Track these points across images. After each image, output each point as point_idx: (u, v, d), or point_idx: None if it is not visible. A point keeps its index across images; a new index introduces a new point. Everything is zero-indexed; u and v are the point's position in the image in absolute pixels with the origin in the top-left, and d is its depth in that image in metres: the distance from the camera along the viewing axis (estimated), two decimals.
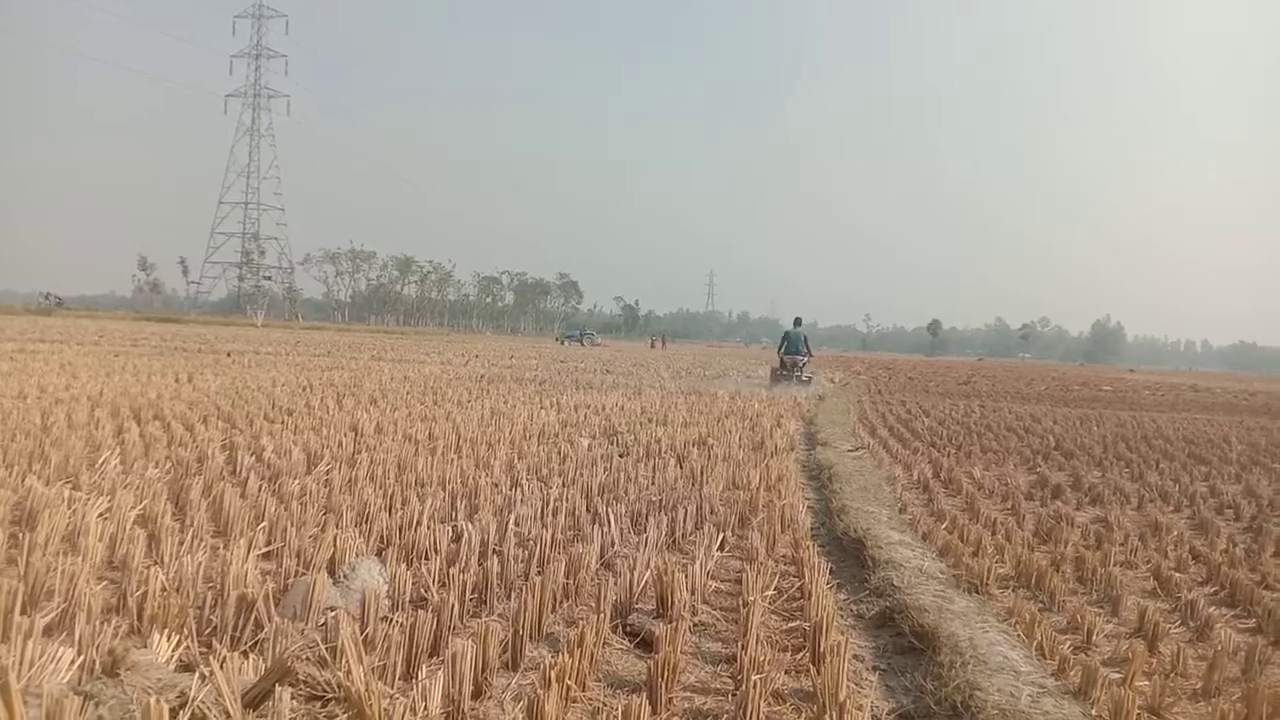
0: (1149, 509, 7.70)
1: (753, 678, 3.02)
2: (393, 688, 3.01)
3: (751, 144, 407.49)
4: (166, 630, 3.24)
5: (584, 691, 3.24)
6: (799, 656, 3.80)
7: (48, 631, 3.17)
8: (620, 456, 8.51)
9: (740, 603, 4.22)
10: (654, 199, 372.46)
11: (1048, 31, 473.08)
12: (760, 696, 2.95)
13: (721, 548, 5.40)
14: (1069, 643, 4.16)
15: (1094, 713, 3.28)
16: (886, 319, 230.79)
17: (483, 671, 3.17)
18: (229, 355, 22.70)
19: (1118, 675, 3.73)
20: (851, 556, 5.51)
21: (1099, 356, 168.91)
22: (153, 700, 2.38)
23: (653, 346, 69.63)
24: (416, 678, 3.11)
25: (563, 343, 63.24)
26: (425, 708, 2.72)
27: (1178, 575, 5.42)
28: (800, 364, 22.10)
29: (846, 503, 6.64)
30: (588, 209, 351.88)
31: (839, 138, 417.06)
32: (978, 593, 4.80)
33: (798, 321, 23.47)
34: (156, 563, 4.09)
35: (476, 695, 3.10)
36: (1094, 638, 4.27)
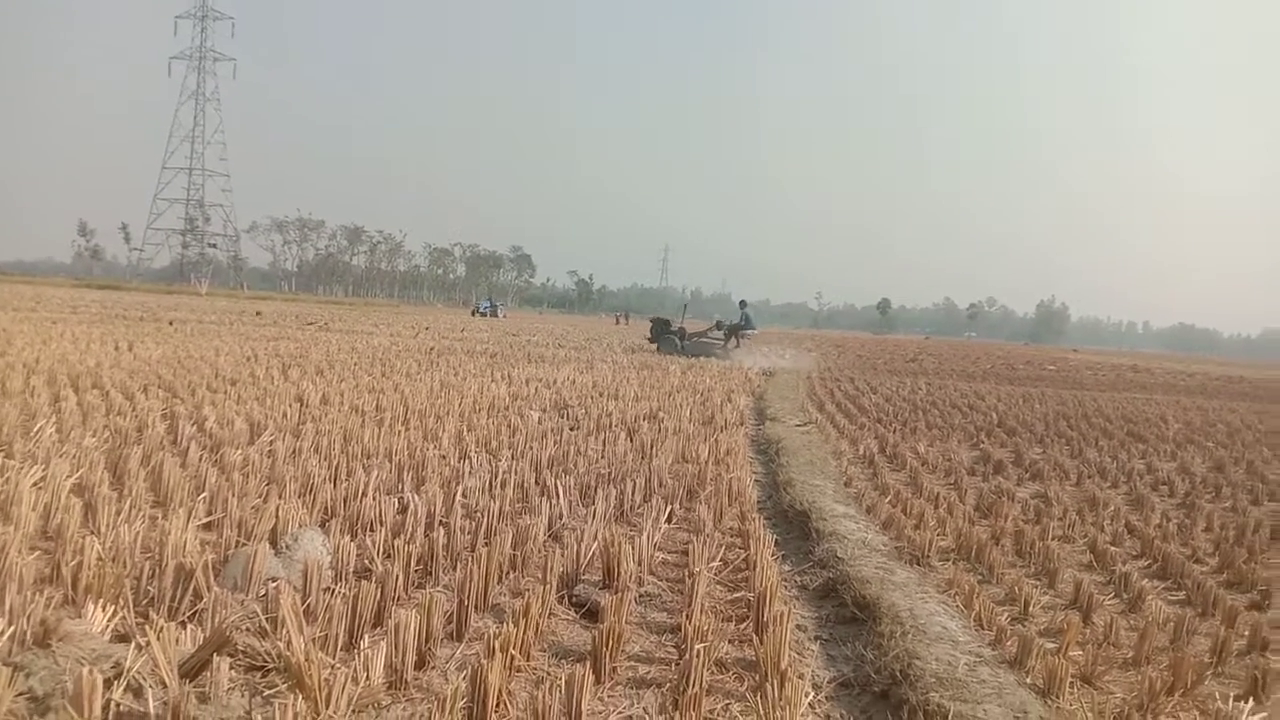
0: (1087, 485, 7.88)
1: (696, 647, 3.04)
2: (334, 658, 2.99)
3: (706, 121, 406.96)
4: (102, 600, 3.17)
5: (529, 661, 3.24)
6: (743, 626, 3.84)
7: None
8: (571, 430, 8.50)
9: (686, 573, 4.25)
10: (608, 174, 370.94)
11: (1007, 15, 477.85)
12: (703, 665, 2.98)
13: (669, 520, 5.43)
14: (1007, 614, 4.25)
15: (1029, 681, 3.37)
16: (838, 297, 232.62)
17: (426, 642, 3.15)
18: (171, 323, 22.22)
19: (1053, 645, 3.82)
20: (797, 529, 5.57)
21: (1044, 337, 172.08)
22: (85, 671, 2.34)
23: (617, 323, 69.51)
24: (359, 648, 3.08)
25: (474, 314, 62.80)
26: (367, 677, 2.70)
27: (1113, 549, 5.56)
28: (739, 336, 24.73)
29: (793, 476, 6.71)
30: (541, 182, 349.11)
31: (793, 117, 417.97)
32: (919, 565, 4.89)
33: (742, 303, 26.32)
34: (93, 532, 4.00)
35: (420, 665, 3.09)
36: (1031, 609, 4.37)
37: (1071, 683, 3.38)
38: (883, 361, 30.68)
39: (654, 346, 25.00)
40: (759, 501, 6.22)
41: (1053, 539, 5.67)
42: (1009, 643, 3.76)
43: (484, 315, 60.09)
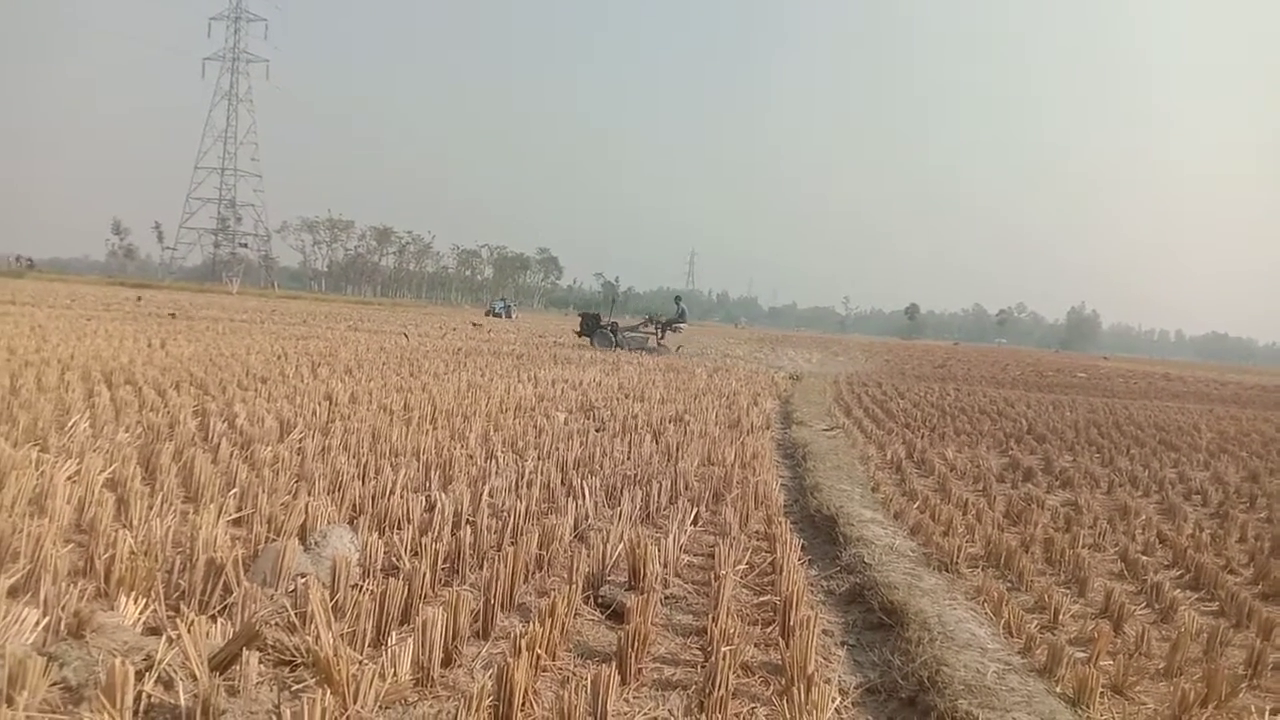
0: (1118, 493, 7.79)
1: (723, 649, 3.03)
2: (362, 654, 3.00)
3: (734, 125, 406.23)
4: (134, 593, 3.21)
5: (554, 660, 3.24)
6: (769, 630, 3.82)
7: (12, 593, 3.13)
8: (596, 431, 8.51)
9: (712, 576, 4.24)
10: (636, 177, 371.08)
11: (1033, 23, 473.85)
12: (729, 668, 2.96)
13: (695, 522, 5.42)
14: (1036, 622, 4.21)
15: (1059, 690, 3.33)
16: (865, 302, 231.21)
17: (453, 640, 3.16)
18: (172, 315, 22.48)
19: (1083, 654, 3.78)
20: (823, 533, 5.54)
21: (1074, 344, 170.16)
22: (118, 662, 2.37)
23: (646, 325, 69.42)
24: (386, 644, 3.10)
25: (488, 314, 62.80)
26: (394, 674, 2.71)
27: (1144, 558, 5.49)
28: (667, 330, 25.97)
29: (820, 480, 6.68)
30: (569, 185, 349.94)
31: (822, 121, 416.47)
32: (947, 571, 4.85)
33: (678, 299, 28.48)
34: (125, 526, 4.05)
35: (446, 663, 3.10)
36: (1061, 617, 4.32)
37: (1102, 693, 3.34)
38: (911, 367, 30.48)
39: (586, 342, 25.36)
40: (785, 505, 6.19)
41: (1083, 547, 5.60)
42: (1038, 651, 3.72)
43: (498, 316, 60.25)
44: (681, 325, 26.78)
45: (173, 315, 24.20)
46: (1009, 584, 4.84)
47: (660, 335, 25.45)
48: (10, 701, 2.31)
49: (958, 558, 5.02)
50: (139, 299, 34.22)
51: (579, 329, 26.24)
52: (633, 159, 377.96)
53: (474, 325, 24.74)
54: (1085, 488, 7.96)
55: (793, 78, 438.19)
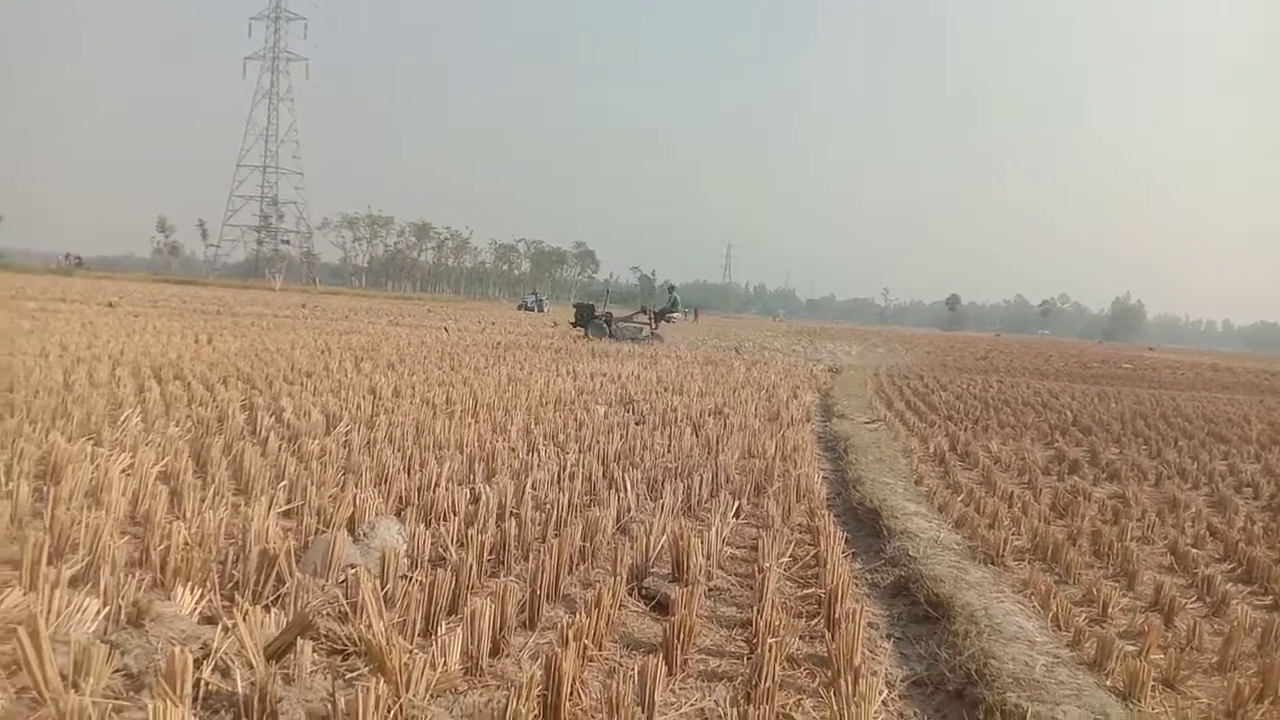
0: (1167, 486, 7.67)
1: (768, 641, 3.04)
2: (412, 643, 3.05)
3: (771, 117, 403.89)
4: (190, 583, 3.28)
5: (600, 651, 3.27)
6: (813, 622, 3.82)
7: (73, 583, 3.21)
8: (636, 424, 8.53)
9: (756, 569, 4.24)
10: (673, 170, 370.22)
11: (1071, 11, 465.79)
12: (775, 660, 2.97)
13: (737, 515, 5.41)
14: (1084, 615, 4.16)
15: (1109, 683, 3.29)
16: (905, 293, 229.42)
17: (500, 630, 3.20)
18: (217, 311, 22.83)
19: (1133, 648, 3.73)
20: (867, 526, 5.52)
21: (1119, 334, 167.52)
22: (177, 650, 2.42)
23: (686, 318, 68.99)
24: (435, 634, 3.14)
25: (521, 308, 62.74)
26: (444, 663, 2.75)
27: (1195, 551, 5.40)
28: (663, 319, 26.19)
29: (862, 473, 6.65)
30: (606, 179, 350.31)
31: (860, 113, 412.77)
32: (993, 564, 4.81)
33: (671, 288, 28.17)
34: (179, 518, 4.14)
35: (494, 653, 3.14)
36: (1109, 611, 4.27)
37: (1153, 687, 3.30)
38: (952, 359, 30.17)
39: (578, 332, 25.49)
40: (828, 498, 6.17)
41: (1131, 540, 5.51)
42: (1087, 644, 3.68)
43: (530, 310, 60.44)
44: (675, 315, 27.06)
45: (218, 311, 24.57)
46: (1056, 577, 4.79)
47: (654, 325, 25.61)
48: (76, 687, 2.37)
49: (1004, 550, 4.97)
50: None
51: (573, 319, 26.43)
52: (670, 152, 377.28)
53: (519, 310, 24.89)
54: (1133, 480, 7.84)
55: (829, 70, 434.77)
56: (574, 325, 26.29)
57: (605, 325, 24.78)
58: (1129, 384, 22.12)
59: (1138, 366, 32.65)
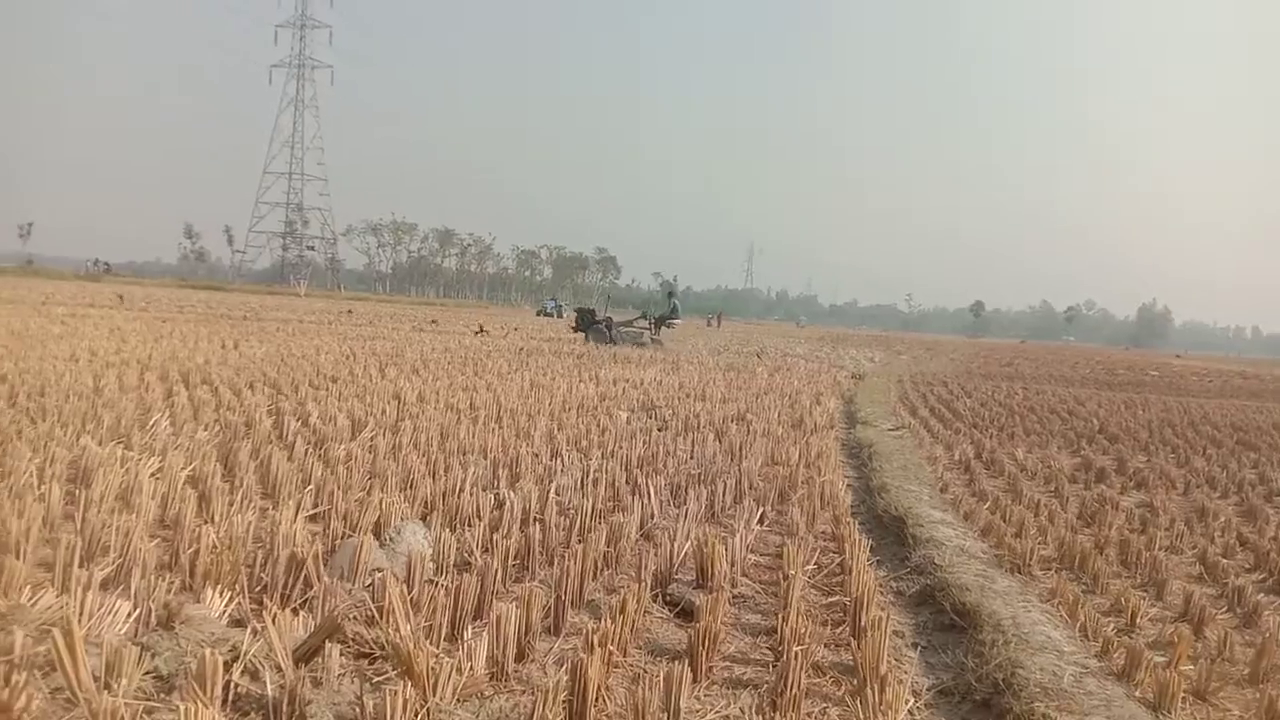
0: (1195, 494, 7.58)
1: (794, 649, 3.03)
2: (438, 648, 3.06)
3: (791, 119, 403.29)
4: (219, 586, 3.31)
5: (625, 657, 3.27)
6: (839, 631, 3.80)
7: (104, 585, 3.25)
8: (659, 430, 8.53)
9: (780, 576, 4.23)
10: (694, 176, 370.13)
11: (1097, 9, 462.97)
12: (801, 668, 2.96)
13: (761, 522, 5.40)
14: (1113, 625, 4.13)
15: (1138, 694, 3.26)
16: (928, 299, 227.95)
17: (526, 635, 3.21)
18: (245, 318, 23.02)
19: (1163, 659, 3.69)
20: (892, 534, 5.49)
21: (1145, 341, 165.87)
22: (208, 653, 2.45)
23: (709, 324, 68.48)
24: (461, 639, 3.15)
25: (539, 314, 62.63)
26: (471, 667, 2.76)
27: (1224, 561, 5.34)
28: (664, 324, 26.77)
29: (887, 481, 6.62)
30: (626, 184, 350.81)
31: (881, 115, 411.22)
32: (1020, 573, 4.78)
33: (670, 294, 29.65)
34: (207, 521, 4.17)
35: (520, 658, 3.15)
36: (1138, 621, 4.23)
37: (1184, 698, 3.27)
38: (977, 365, 29.99)
39: (581, 336, 25.60)
40: (852, 506, 6.15)
41: (1160, 549, 5.45)
42: (1116, 654, 3.65)
43: (549, 315, 60.51)
44: (675, 320, 27.47)
45: (244, 317, 24.81)
46: (1084, 586, 4.75)
47: (654, 330, 25.83)
48: (108, 688, 2.40)
49: (1030, 560, 4.94)
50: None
51: (574, 324, 26.60)
52: (692, 158, 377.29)
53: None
54: (1161, 489, 7.77)
55: (851, 74, 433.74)
56: (574, 330, 26.45)
57: (605, 330, 24.89)
58: (1156, 391, 21.90)
59: (1164, 373, 32.34)
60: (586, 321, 25.81)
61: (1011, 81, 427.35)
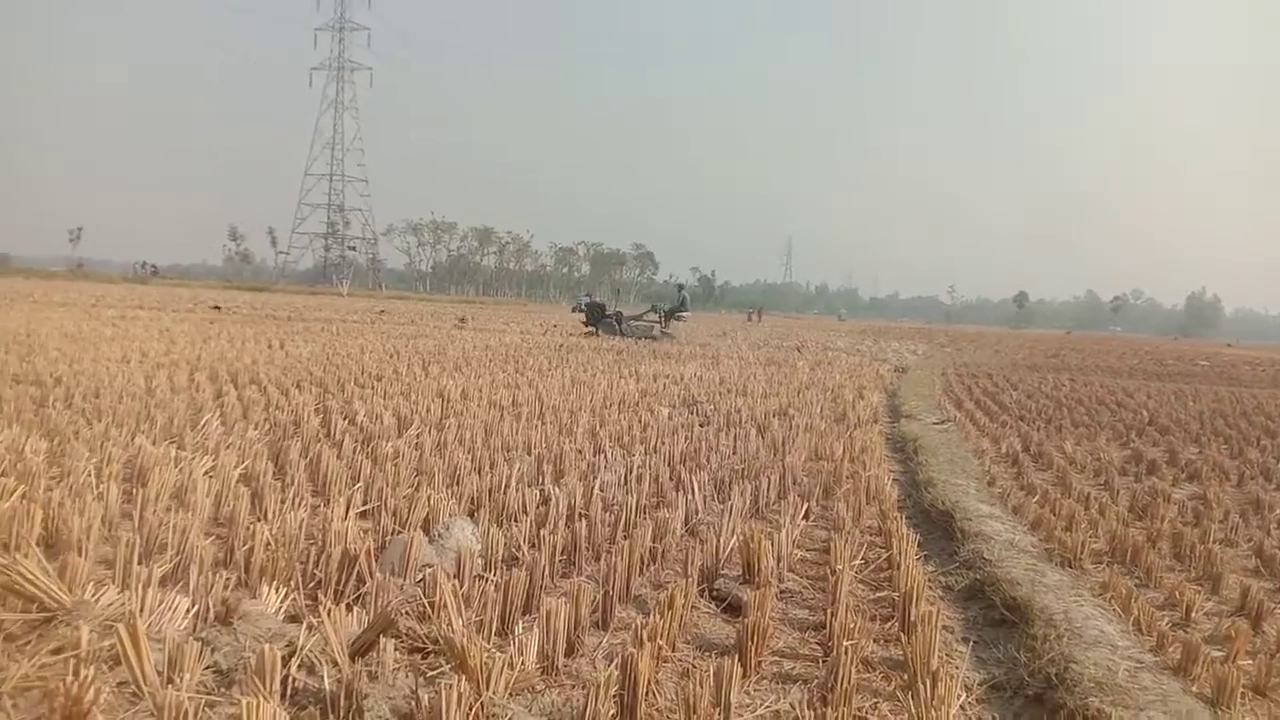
0: (1250, 486, 7.44)
1: (844, 644, 3.02)
2: (489, 642, 3.09)
3: (830, 110, 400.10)
4: (275, 583, 3.37)
5: (674, 652, 3.28)
6: (887, 626, 3.79)
7: (163, 582, 3.32)
8: (701, 426, 8.53)
9: (827, 571, 4.21)
10: (731, 170, 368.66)
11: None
12: (851, 662, 2.95)
13: (806, 517, 5.38)
14: (1167, 619, 4.06)
15: (1195, 689, 3.21)
16: (971, 291, 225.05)
17: (575, 630, 3.23)
18: (289, 317, 23.31)
19: (1219, 653, 3.63)
20: (939, 529, 5.45)
21: (1194, 330, 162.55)
22: (266, 648, 2.50)
23: (749, 319, 67.94)
24: (512, 634, 3.19)
25: (575, 310, 62.57)
26: (522, 662, 2.79)
27: None
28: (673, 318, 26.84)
29: (933, 475, 6.56)
30: (663, 180, 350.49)
31: (922, 104, 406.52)
32: (1070, 567, 4.72)
33: (680, 287, 30.52)
34: (260, 519, 4.25)
35: (569, 652, 3.17)
36: (1193, 615, 4.16)
37: (1243, 694, 3.21)
38: (1022, 357, 29.58)
39: (592, 330, 25.94)
40: (898, 501, 6.10)
41: (1214, 542, 5.35)
42: (1171, 649, 3.59)
43: (583, 311, 60.38)
44: (685, 314, 27.74)
45: (216, 307, 25.18)
46: (1136, 580, 4.68)
47: (664, 323, 26.04)
48: (171, 682, 2.46)
49: (1081, 553, 4.87)
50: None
51: (585, 319, 26.84)
52: (730, 152, 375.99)
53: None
54: (1214, 481, 7.62)
55: (890, 65, 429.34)
56: (585, 324, 26.67)
57: (616, 324, 25.22)
58: (1207, 381, 21.47)
59: (1215, 363, 31.68)
60: (597, 315, 26.11)
61: (1058, 70, 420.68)
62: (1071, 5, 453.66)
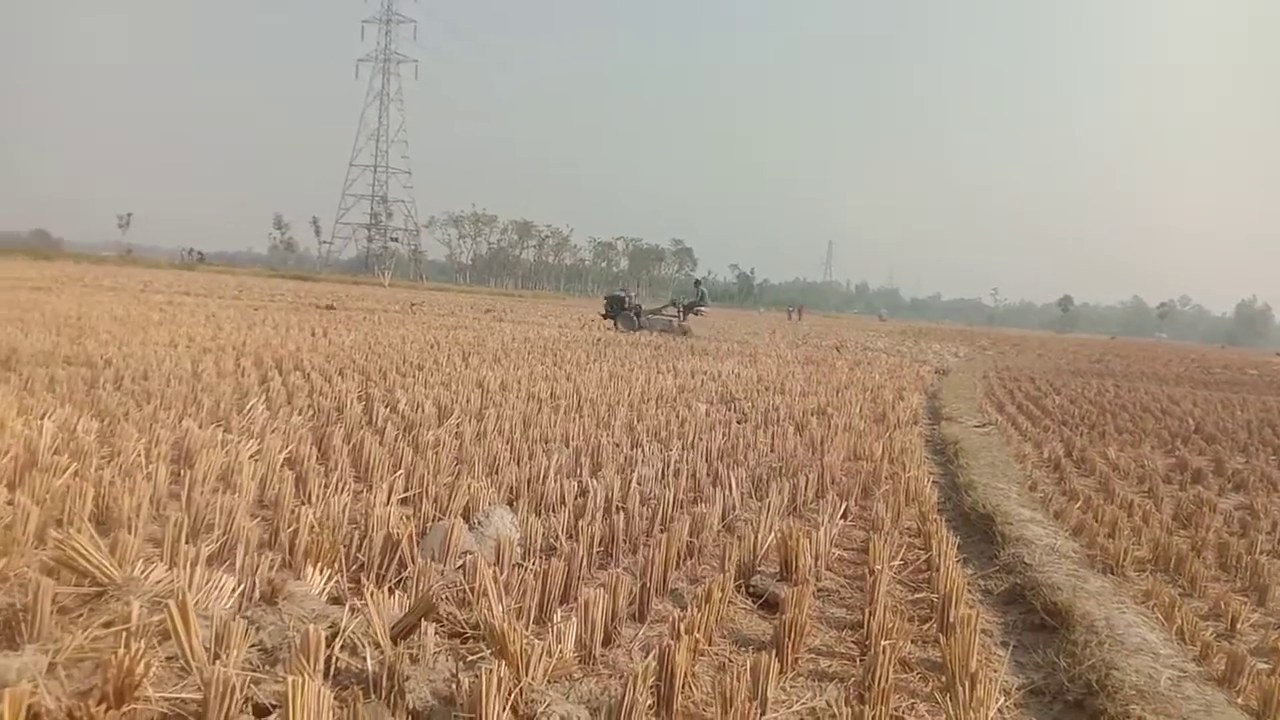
0: None
1: (882, 643, 3.01)
2: (527, 630, 3.12)
3: (874, 108, 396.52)
4: (318, 565, 3.43)
5: (710, 645, 3.29)
6: (925, 627, 3.77)
7: (210, 561, 3.39)
8: (738, 423, 8.52)
9: (866, 571, 4.20)
10: (773, 166, 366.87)
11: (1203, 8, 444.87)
12: (889, 662, 2.94)
13: (844, 516, 5.36)
14: (1212, 630, 4.00)
15: (1240, 701, 3.16)
16: (1014, 294, 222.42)
17: (612, 620, 3.25)
18: (329, 307, 23.59)
19: (1266, 665, 3.57)
20: (979, 532, 5.40)
21: (1243, 339, 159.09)
22: (311, 628, 2.54)
23: (790, 318, 67.40)
24: (551, 622, 3.21)
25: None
26: (560, 650, 2.81)
27: None
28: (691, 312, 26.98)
29: (974, 478, 6.50)
30: (703, 176, 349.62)
31: (967, 103, 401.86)
32: (1113, 574, 4.66)
33: (698, 283, 30.38)
34: (304, 502, 4.31)
35: (606, 642, 3.19)
36: (1239, 626, 4.10)
37: None
38: (1065, 362, 29.16)
39: (610, 323, 25.95)
40: (938, 503, 6.05)
41: (1261, 553, 5.25)
42: (1216, 659, 3.55)
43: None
44: (703, 308, 27.96)
45: (330, 306, 25.50)
46: (1180, 589, 4.61)
47: (682, 317, 26.12)
48: (217, 658, 2.51)
49: (1124, 560, 4.81)
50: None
51: (604, 311, 26.87)
52: (770, 149, 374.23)
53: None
54: (1261, 491, 7.47)
55: (935, 64, 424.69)
56: (604, 317, 26.76)
57: (635, 317, 25.34)
58: (1255, 391, 21.02)
59: (1264, 372, 31.00)
60: (616, 308, 26.18)
61: (1106, 71, 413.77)
62: (1124, 9, 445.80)
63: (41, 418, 5.40)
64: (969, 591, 4.28)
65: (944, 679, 3.10)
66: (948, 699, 2.80)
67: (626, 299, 26.73)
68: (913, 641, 3.60)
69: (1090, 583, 4.25)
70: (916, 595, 4.18)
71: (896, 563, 4.51)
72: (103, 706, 2.17)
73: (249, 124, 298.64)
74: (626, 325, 25.02)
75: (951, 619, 3.54)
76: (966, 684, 2.86)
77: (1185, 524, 6.08)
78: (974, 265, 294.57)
